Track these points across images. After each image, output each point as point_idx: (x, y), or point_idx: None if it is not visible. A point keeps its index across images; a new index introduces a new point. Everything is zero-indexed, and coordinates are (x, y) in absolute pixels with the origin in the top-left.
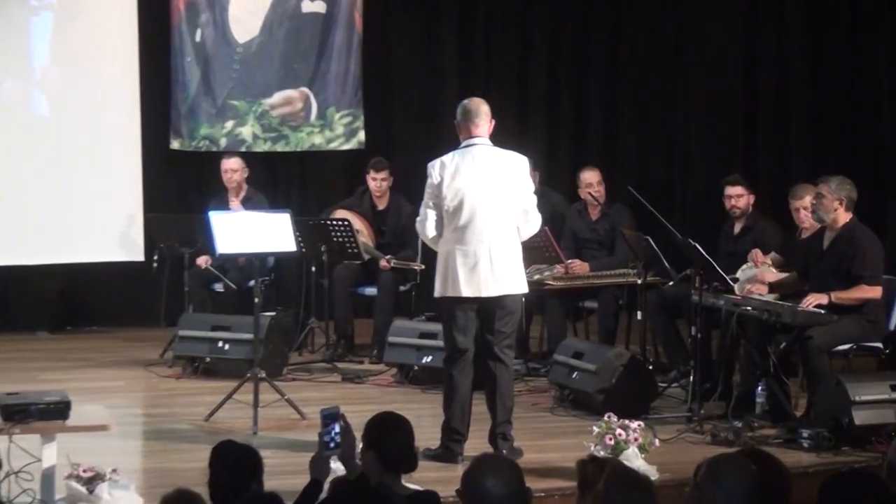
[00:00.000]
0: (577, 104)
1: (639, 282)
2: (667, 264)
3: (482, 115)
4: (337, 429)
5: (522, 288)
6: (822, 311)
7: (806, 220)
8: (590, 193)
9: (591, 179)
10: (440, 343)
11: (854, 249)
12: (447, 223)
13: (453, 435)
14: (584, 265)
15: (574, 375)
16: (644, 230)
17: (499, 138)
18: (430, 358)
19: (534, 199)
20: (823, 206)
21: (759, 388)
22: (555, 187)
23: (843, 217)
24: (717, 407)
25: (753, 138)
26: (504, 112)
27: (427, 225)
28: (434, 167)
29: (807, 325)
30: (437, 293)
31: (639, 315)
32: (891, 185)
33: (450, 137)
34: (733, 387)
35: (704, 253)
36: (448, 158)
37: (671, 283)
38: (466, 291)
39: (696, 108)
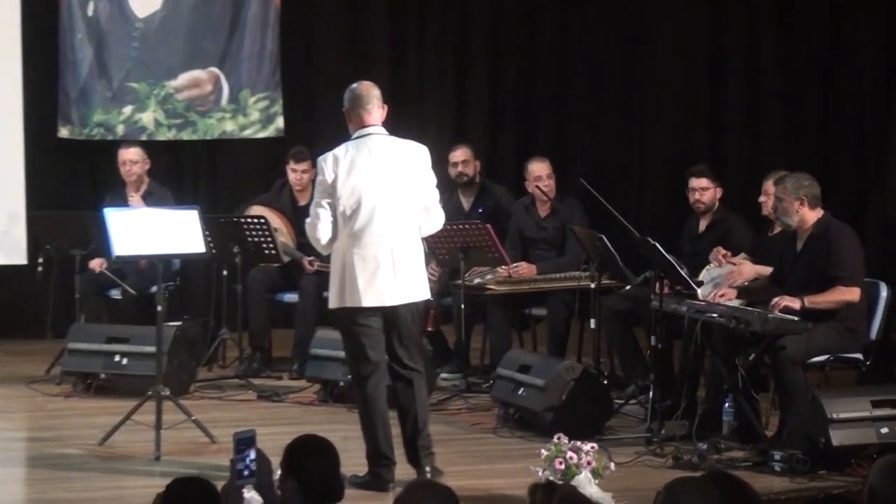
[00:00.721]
0: (522, 87)
1: (592, 286)
2: (623, 266)
3: (374, 101)
4: (252, 455)
5: (426, 294)
6: (796, 319)
7: (763, 207)
8: (538, 187)
9: (539, 171)
10: None
11: (828, 248)
12: (342, 225)
13: (381, 460)
14: (531, 267)
15: (520, 392)
16: (598, 228)
17: (435, 126)
18: None
19: (436, 195)
20: (784, 210)
21: (727, 404)
22: (498, 180)
23: (811, 216)
24: (679, 426)
25: (721, 126)
26: (441, 96)
27: (320, 228)
28: (326, 163)
29: (779, 333)
30: (333, 304)
31: (592, 323)
32: (874, 177)
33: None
34: (697, 404)
35: (665, 253)
36: (341, 152)
37: (628, 288)
38: (368, 301)
39: (657, 92)
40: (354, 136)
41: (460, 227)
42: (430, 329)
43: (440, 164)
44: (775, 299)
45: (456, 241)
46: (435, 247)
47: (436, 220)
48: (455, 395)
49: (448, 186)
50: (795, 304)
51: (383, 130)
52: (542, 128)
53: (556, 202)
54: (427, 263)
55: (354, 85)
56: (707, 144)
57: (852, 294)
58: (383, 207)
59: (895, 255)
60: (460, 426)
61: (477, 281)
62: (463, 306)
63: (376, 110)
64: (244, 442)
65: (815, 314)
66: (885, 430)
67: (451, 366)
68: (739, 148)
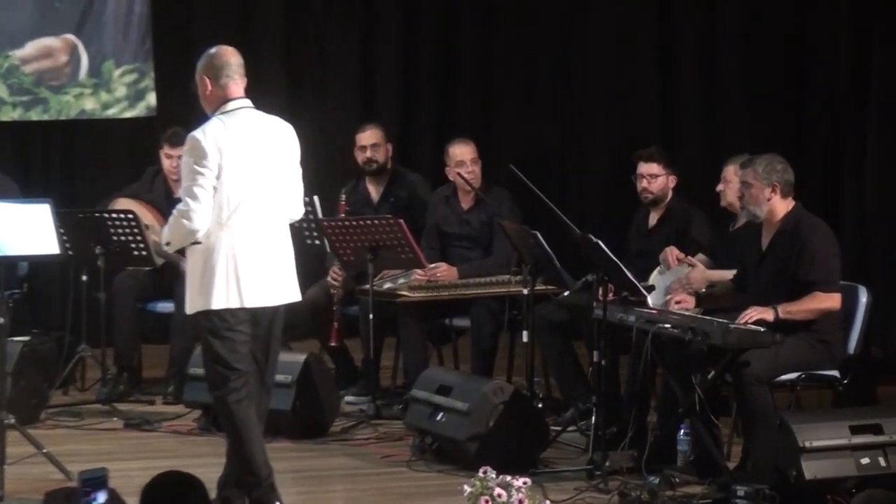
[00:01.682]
0: (441, 58)
1: (524, 292)
2: (561, 268)
3: (240, 69)
4: (102, 498)
5: (297, 295)
6: (762, 330)
7: (732, 197)
8: (460, 174)
9: (461, 155)
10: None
11: (799, 246)
12: (216, 213)
13: (257, 486)
14: (452, 270)
15: (439, 418)
16: (532, 223)
17: (339, 103)
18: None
19: (301, 182)
20: (753, 198)
21: (682, 431)
22: (413, 166)
23: (782, 206)
24: (626, 457)
25: (673, 102)
26: (345, 68)
27: (198, 215)
28: (204, 138)
29: (742, 347)
30: (196, 307)
31: (524, 336)
32: (850, 163)
33: (274, 99)
34: (648, 430)
35: (610, 252)
36: (218, 127)
37: (567, 294)
38: (236, 301)
39: (598, 63)
40: (221, 110)
41: (368, 222)
42: (332, 344)
43: (345, 148)
44: (747, 312)
45: (363, 239)
46: (338, 245)
47: (298, 208)
48: (362, 421)
49: (352, 174)
50: (768, 315)
51: (250, 103)
52: (465, 105)
53: (482, 192)
54: (328, 265)
55: (214, 50)
56: (658, 126)
57: (832, 301)
58: (260, 193)
59: (874, 254)
60: (368, 459)
61: (388, 286)
62: (371, 316)
63: (242, 80)
64: (92, 483)
65: (785, 326)
66: (865, 461)
67: (358, 387)
68: (695, 130)
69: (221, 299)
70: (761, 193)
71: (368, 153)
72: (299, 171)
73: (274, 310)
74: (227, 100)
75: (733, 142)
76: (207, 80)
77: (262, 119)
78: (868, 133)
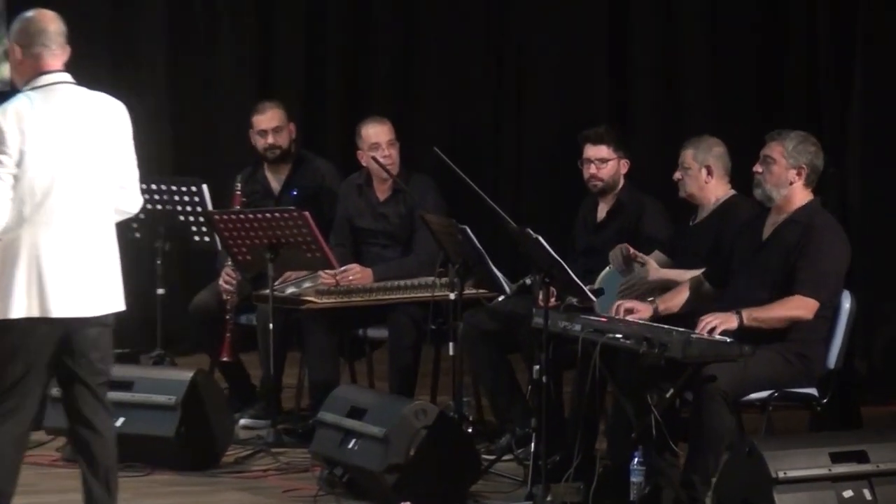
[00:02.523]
0: (350, 23)
1: (451, 296)
2: (494, 269)
3: (60, 38)
4: None
5: (121, 304)
6: (728, 340)
7: (693, 186)
8: (375, 159)
9: (376, 137)
10: (144, 397)
11: (807, 240)
12: (20, 204)
13: None
14: (367, 271)
15: (351, 445)
16: (460, 216)
17: (231, 79)
18: (120, 420)
19: (136, 167)
20: (773, 177)
21: (636, 460)
22: (319, 149)
23: (801, 195)
24: (571, 490)
25: (626, 75)
26: (238, 34)
27: None
28: (5, 118)
29: (706, 360)
30: None
31: (451, 349)
32: (830, 148)
33: (153, 76)
34: (596, 459)
35: (552, 250)
36: (24, 105)
37: (501, 299)
38: (37, 310)
39: (539, 31)
40: (33, 84)
41: (268, 215)
42: (225, 359)
43: (240, 131)
44: (704, 319)
45: (261, 236)
46: (231, 243)
47: (134, 200)
48: (260, 450)
49: (249, 160)
50: (731, 322)
51: (71, 78)
52: (380, 79)
53: (401, 180)
54: (220, 267)
55: (30, 14)
56: (608, 103)
57: (805, 309)
58: (74, 183)
59: (857, 255)
60: (268, 494)
61: (291, 291)
62: (271, 326)
63: (62, 51)
64: None
65: (754, 335)
66: (848, 494)
67: (255, 409)
68: (651, 108)
69: (17, 306)
70: (784, 174)
71: (270, 139)
72: (131, 156)
73: (89, 321)
74: (40, 73)
75: (695, 122)
76: (17, 49)
77: (83, 96)
78: (851, 119)
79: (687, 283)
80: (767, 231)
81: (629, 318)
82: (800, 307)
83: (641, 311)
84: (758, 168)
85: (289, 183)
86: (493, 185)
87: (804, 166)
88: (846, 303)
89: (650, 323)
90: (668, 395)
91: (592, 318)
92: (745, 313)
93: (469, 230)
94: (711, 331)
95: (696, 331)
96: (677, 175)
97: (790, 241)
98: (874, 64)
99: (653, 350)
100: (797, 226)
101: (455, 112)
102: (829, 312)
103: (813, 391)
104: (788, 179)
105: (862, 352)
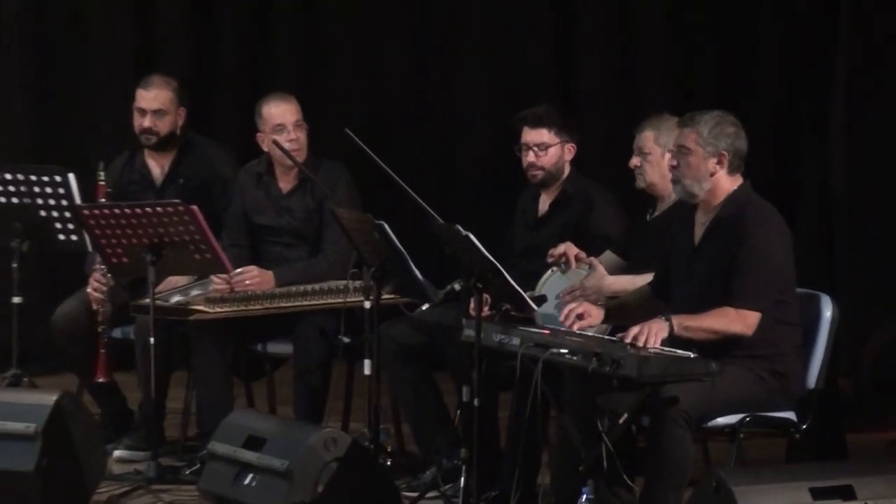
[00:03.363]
0: None
1: (366, 304)
2: (418, 273)
3: None
4: None
5: None
6: (691, 356)
7: (654, 175)
8: (277, 143)
9: (281, 117)
10: None
11: (738, 241)
12: None
13: None
14: (267, 275)
15: (247, 481)
16: (378, 210)
17: (102, 49)
18: None
19: None
20: (690, 170)
21: (584, 497)
22: (208, 131)
23: (727, 184)
24: None
25: (573, 46)
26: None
27: None
28: None
29: (666, 380)
30: None
31: (367, 367)
32: (809, 129)
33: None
34: (538, 496)
35: (485, 250)
36: None
37: (426, 307)
38: None
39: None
40: None
41: (148, 210)
42: (98, 380)
43: (117, 112)
44: (631, 332)
45: (141, 234)
46: (104, 242)
47: None
48: (138, 487)
49: (128, 145)
50: (662, 331)
51: None
52: (284, 47)
53: (309, 168)
54: (89, 270)
55: None
56: (551, 79)
57: (743, 324)
58: None
59: (841, 251)
60: None
61: (176, 300)
62: (153, 341)
63: None
64: None
65: (722, 350)
66: None
67: (133, 439)
68: (601, 83)
69: None
70: (703, 165)
71: (147, 121)
72: None
73: None
74: None
75: (652, 99)
76: None
77: None
78: (834, 95)
79: (634, 292)
80: (698, 234)
81: (579, 326)
82: (735, 321)
83: (594, 317)
84: (672, 161)
85: (174, 171)
86: (417, 176)
87: (724, 152)
88: (826, 310)
89: (601, 336)
90: (621, 421)
91: (533, 330)
92: (676, 321)
93: (387, 227)
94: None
95: (628, 337)
96: (634, 162)
97: (721, 250)
98: (862, 32)
99: (604, 367)
100: (725, 225)
101: (374, 91)
102: (791, 316)
103: (791, 415)
104: (709, 170)
105: (848, 368)
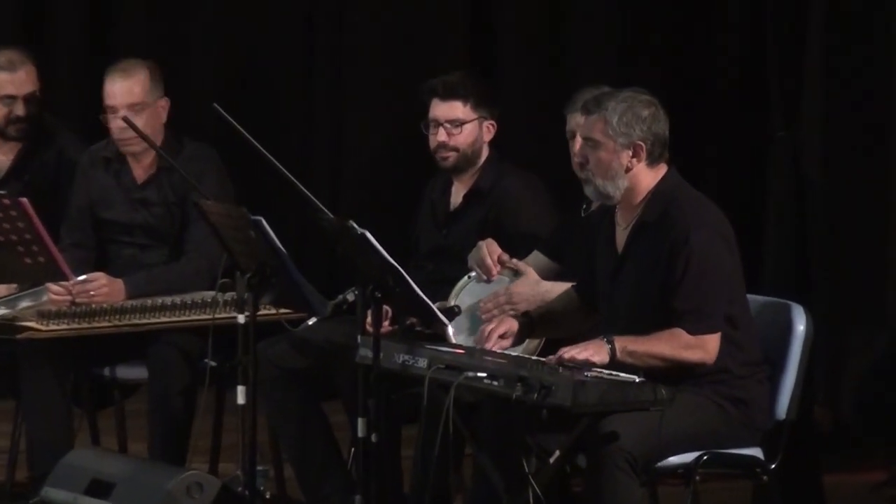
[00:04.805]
0: None
1: (240, 319)
2: (303, 280)
3: None
4: None
5: None
6: (637, 380)
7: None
8: (127, 120)
9: (111, 98)
10: None
11: (669, 249)
12: None
13: None
14: (117, 284)
15: None
16: (254, 203)
17: None
18: None
19: None
20: (601, 167)
21: None
22: (53, 111)
23: (647, 178)
24: None
25: (492, 9)
26: None
27: None
28: None
29: (606, 410)
30: None
31: (240, 395)
32: (778, 107)
33: None
34: None
35: (385, 253)
36: None
37: (312, 322)
38: None
39: None
40: None
41: None
42: None
43: None
44: (563, 351)
45: None
46: None
47: None
48: None
49: None
50: (601, 353)
51: None
52: (129, 9)
53: (167, 152)
54: None
55: None
56: (466, 43)
57: (702, 350)
58: None
59: (817, 255)
60: None
61: (1, 313)
62: None
63: None
64: None
65: (675, 376)
66: None
67: None
68: (526, 47)
69: None
70: (616, 160)
71: (21, 109)
72: None
73: None
74: None
75: (590, 71)
76: None
77: None
78: (808, 65)
79: (559, 297)
80: (621, 241)
81: (501, 346)
82: (692, 347)
83: (517, 336)
84: (578, 156)
85: (22, 165)
86: (304, 163)
87: (640, 142)
88: (799, 323)
89: (529, 356)
90: (552, 461)
91: (444, 349)
92: (619, 343)
93: (265, 223)
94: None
95: (559, 358)
96: (578, 148)
97: (647, 260)
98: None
99: (531, 395)
100: (649, 231)
101: (249, 58)
102: (744, 330)
103: (756, 452)
104: (623, 166)
105: (825, 394)
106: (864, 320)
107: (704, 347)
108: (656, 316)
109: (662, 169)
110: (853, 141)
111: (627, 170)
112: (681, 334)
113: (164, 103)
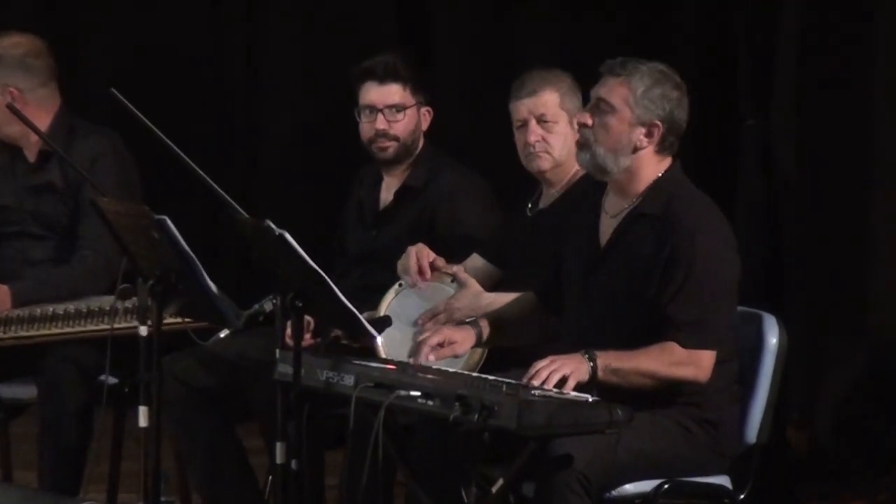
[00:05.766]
0: None
1: (142, 331)
2: (213, 287)
3: None
4: None
5: None
6: (590, 399)
7: (543, 155)
8: (12, 107)
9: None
10: None
11: (670, 249)
12: None
13: None
14: (1, 291)
15: None
16: (158, 200)
17: None
18: None
19: None
20: (608, 134)
21: None
22: None
23: (651, 166)
24: None
25: None
26: None
27: None
28: None
29: (556, 432)
30: None
31: (142, 416)
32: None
33: None
34: None
35: (307, 256)
36: None
37: (224, 335)
38: None
39: None
40: None
41: None
42: None
43: None
44: (537, 366)
45: None
46: None
47: None
48: None
49: None
50: (580, 370)
51: None
52: None
53: (56, 141)
54: None
55: None
56: (393, 26)
57: (695, 367)
58: None
59: (792, 258)
60: None
61: None
62: None
63: None
64: None
65: (634, 393)
66: None
67: None
68: (459, 30)
69: None
70: (627, 133)
71: None
72: None
73: None
74: None
75: (536, 53)
76: None
77: None
78: (779, 45)
79: (514, 302)
80: (606, 230)
81: (440, 356)
82: (684, 363)
83: (457, 346)
84: (587, 119)
85: None
86: (214, 156)
87: (659, 122)
88: (772, 335)
89: (468, 373)
90: (495, 490)
91: (373, 364)
92: (602, 360)
93: (169, 222)
94: (561, 385)
95: (532, 381)
96: (533, 136)
97: (640, 257)
98: None
99: (471, 416)
100: (649, 224)
101: (152, 35)
102: (728, 347)
103: (724, 480)
104: (632, 142)
105: (800, 415)
106: (843, 331)
107: (698, 364)
108: (637, 318)
109: (667, 161)
110: (830, 128)
111: (635, 149)
112: (672, 349)
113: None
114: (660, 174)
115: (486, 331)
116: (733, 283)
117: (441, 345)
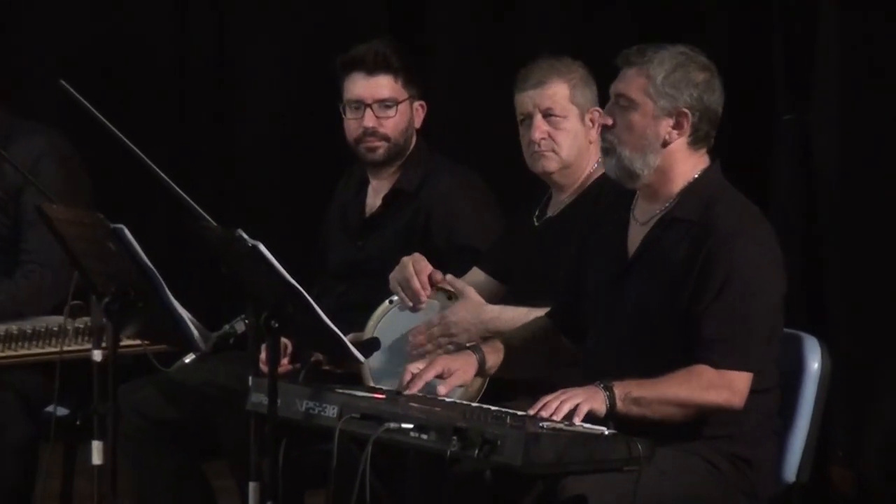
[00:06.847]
0: None
1: (95, 355)
2: (177, 305)
3: None
4: None
5: None
6: (607, 432)
7: (573, 151)
8: None
9: None
10: None
11: (707, 258)
12: None
13: None
14: None
15: None
16: (111, 207)
17: None
18: None
19: None
20: (632, 133)
21: None
22: None
23: (686, 163)
24: None
25: None
26: None
27: None
28: None
29: (568, 470)
30: None
31: (95, 452)
32: (783, 89)
33: None
34: None
35: (284, 271)
36: None
37: (189, 360)
38: None
39: None
40: None
41: None
42: None
43: None
44: (545, 400)
45: None
46: None
47: None
48: None
49: None
50: (595, 401)
51: None
52: None
53: None
54: None
55: None
56: (381, 15)
57: (728, 388)
58: None
59: (836, 273)
60: None
61: None
62: None
63: None
64: None
65: (653, 426)
66: None
67: None
68: (455, 18)
69: None
70: (652, 128)
71: None
72: None
73: None
74: None
75: (544, 33)
76: None
77: None
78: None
79: (523, 327)
80: (635, 240)
81: (441, 393)
82: (716, 387)
83: (458, 376)
84: (608, 120)
85: None
86: (179, 159)
87: (686, 110)
88: (814, 360)
89: (467, 402)
90: None
91: (360, 393)
92: (620, 389)
93: (127, 231)
94: (570, 417)
95: (539, 412)
96: (538, 133)
97: (675, 259)
98: None
99: (470, 451)
100: (688, 230)
101: (103, 28)
102: (768, 375)
103: None
104: (660, 137)
105: (845, 451)
106: (894, 353)
107: (731, 387)
108: (669, 337)
109: (704, 158)
110: (878, 124)
111: (664, 143)
112: (702, 372)
113: None
114: (696, 174)
115: (489, 358)
116: (777, 301)
117: (440, 376)
